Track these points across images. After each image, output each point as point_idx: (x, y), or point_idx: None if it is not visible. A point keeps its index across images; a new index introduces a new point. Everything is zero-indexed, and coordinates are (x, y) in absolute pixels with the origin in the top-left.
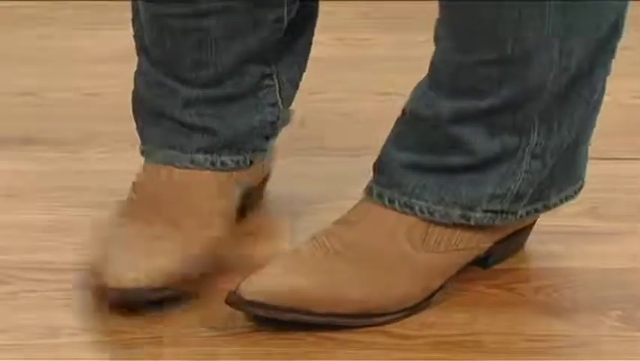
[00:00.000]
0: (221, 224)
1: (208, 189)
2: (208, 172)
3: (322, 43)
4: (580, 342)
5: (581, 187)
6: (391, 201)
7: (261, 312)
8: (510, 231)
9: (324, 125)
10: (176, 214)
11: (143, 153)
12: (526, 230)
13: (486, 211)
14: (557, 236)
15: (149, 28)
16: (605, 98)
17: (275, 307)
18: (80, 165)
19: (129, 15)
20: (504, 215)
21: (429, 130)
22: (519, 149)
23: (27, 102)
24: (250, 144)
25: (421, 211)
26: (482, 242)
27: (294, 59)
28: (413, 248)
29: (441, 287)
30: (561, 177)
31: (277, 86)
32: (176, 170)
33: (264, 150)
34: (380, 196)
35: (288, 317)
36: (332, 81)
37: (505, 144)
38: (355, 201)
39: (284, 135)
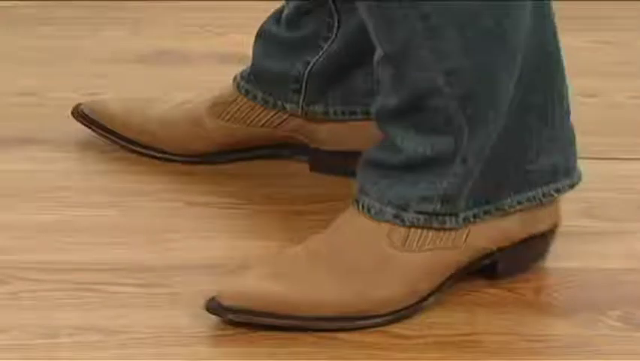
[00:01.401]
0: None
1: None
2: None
3: None
4: (580, 342)
5: (549, 193)
6: (355, 199)
7: (240, 318)
8: (516, 239)
9: None
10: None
11: None
12: (538, 243)
13: (418, 213)
14: (557, 236)
15: None
16: (603, 98)
17: (253, 312)
18: (80, 165)
19: (129, 15)
20: (440, 217)
21: (375, 126)
22: (455, 152)
23: (27, 102)
24: (276, 88)
25: (362, 207)
26: (477, 242)
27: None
28: (395, 249)
29: (434, 291)
30: (512, 180)
31: (325, 49)
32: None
33: (294, 102)
34: (354, 197)
35: (267, 321)
36: None
37: (439, 147)
38: None
39: None
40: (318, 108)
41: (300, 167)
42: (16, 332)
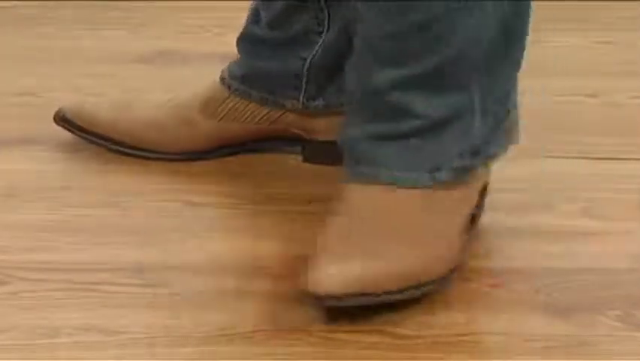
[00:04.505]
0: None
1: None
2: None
3: None
4: (579, 342)
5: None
6: (360, 175)
7: (345, 303)
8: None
9: None
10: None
11: None
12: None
13: (450, 170)
14: (556, 236)
15: None
16: (603, 98)
17: (351, 295)
18: (80, 165)
19: (129, 15)
20: (466, 171)
21: (372, 101)
22: (469, 106)
23: (27, 102)
24: (274, 88)
25: (391, 182)
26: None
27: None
28: (430, 214)
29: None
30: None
31: (320, 43)
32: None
33: (294, 98)
34: (348, 173)
35: (363, 301)
36: None
37: (455, 104)
38: None
39: None
40: (319, 102)
41: (300, 167)
42: (16, 332)
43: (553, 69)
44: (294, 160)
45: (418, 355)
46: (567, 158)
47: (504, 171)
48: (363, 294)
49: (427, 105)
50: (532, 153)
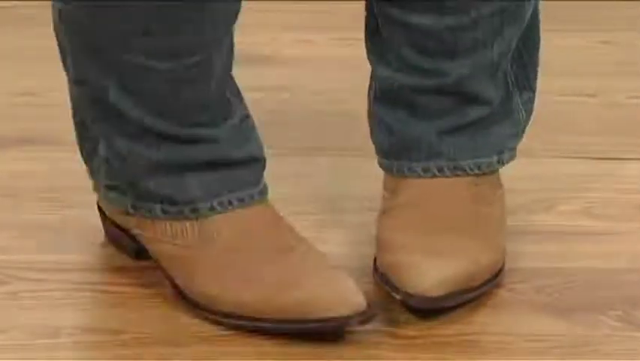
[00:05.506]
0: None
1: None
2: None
3: (322, 43)
4: (580, 342)
5: None
6: (440, 170)
7: (449, 302)
8: None
9: (324, 125)
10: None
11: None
12: None
13: (510, 150)
14: (557, 236)
15: None
16: (603, 98)
17: (457, 293)
18: (80, 165)
19: None
20: (515, 151)
21: (445, 94)
22: (509, 86)
23: (27, 102)
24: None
25: (470, 169)
26: None
27: None
28: (485, 205)
29: None
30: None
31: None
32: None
33: None
34: (427, 170)
35: (460, 300)
36: (332, 81)
37: (502, 85)
38: (355, 201)
39: (284, 135)
40: None
41: (299, 167)
42: (16, 332)
43: (553, 69)
44: (294, 163)
45: (418, 355)
46: (567, 158)
47: (504, 171)
48: (460, 293)
49: (492, 89)
50: (532, 153)
